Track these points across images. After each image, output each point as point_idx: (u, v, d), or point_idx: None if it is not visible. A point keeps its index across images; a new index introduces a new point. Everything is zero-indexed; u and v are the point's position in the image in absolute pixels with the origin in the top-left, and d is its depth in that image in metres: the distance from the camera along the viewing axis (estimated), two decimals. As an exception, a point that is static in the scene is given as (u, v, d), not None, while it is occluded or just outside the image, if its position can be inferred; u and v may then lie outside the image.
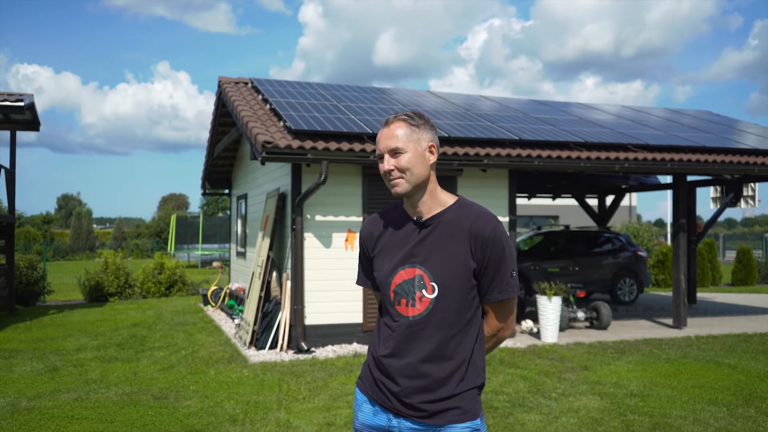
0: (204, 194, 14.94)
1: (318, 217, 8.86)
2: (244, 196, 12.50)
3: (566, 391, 6.45)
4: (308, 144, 8.20)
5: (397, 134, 2.16)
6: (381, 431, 2.21)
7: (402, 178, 2.15)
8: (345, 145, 8.37)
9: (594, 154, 9.41)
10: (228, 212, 45.21)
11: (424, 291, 2.14)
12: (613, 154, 9.53)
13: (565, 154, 9.28)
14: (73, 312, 12.77)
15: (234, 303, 12.01)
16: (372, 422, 2.23)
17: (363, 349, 8.68)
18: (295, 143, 8.13)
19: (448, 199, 2.23)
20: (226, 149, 12.68)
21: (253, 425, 5.37)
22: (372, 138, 8.78)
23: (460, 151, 8.80)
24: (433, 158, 2.20)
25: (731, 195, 14.29)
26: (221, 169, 13.96)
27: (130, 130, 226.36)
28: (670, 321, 11.16)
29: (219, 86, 11.10)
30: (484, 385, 2.22)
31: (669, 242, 32.81)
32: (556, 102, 13.50)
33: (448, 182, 9.37)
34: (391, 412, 2.18)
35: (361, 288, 9.02)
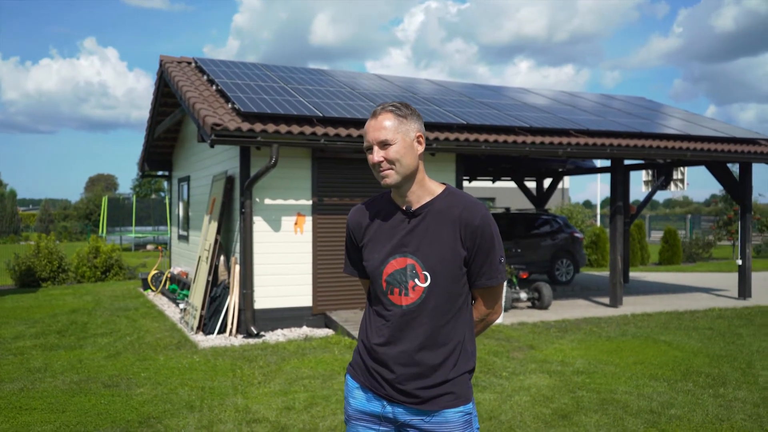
0: (143, 176, 14.54)
1: (267, 201, 8.78)
2: (187, 179, 12.24)
3: (516, 370, 6.65)
4: (258, 127, 8.09)
5: (385, 125, 2.18)
6: (375, 417, 2.25)
7: (391, 169, 2.18)
8: (295, 128, 8.30)
9: (538, 139, 9.64)
10: (162, 194, 44.15)
11: (416, 280, 2.18)
12: (556, 139, 9.78)
13: (511, 138, 9.48)
14: (4, 298, 12.26)
15: (176, 287, 11.79)
16: (366, 408, 2.27)
17: (313, 332, 8.70)
18: (245, 126, 8.02)
19: (436, 188, 2.26)
20: (167, 130, 12.37)
21: (211, 411, 5.33)
22: (322, 121, 8.73)
23: (410, 134, 8.85)
24: (420, 148, 2.23)
25: (662, 178, 14.94)
26: (161, 150, 13.61)
27: (54, 108, 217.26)
28: (606, 300, 11.61)
29: (161, 65, 10.79)
30: (474, 369, 2.28)
31: (598, 223, 33.94)
32: (495, 86, 13.72)
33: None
34: (385, 399, 2.22)
35: (310, 272, 9.02)
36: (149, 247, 29.55)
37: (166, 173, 14.43)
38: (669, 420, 5.15)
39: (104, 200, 31.66)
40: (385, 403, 2.23)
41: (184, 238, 12.50)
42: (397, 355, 2.19)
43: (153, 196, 40.72)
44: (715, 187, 59.90)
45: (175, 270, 12.55)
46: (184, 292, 10.83)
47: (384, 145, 2.17)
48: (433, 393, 2.17)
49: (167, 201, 30.48)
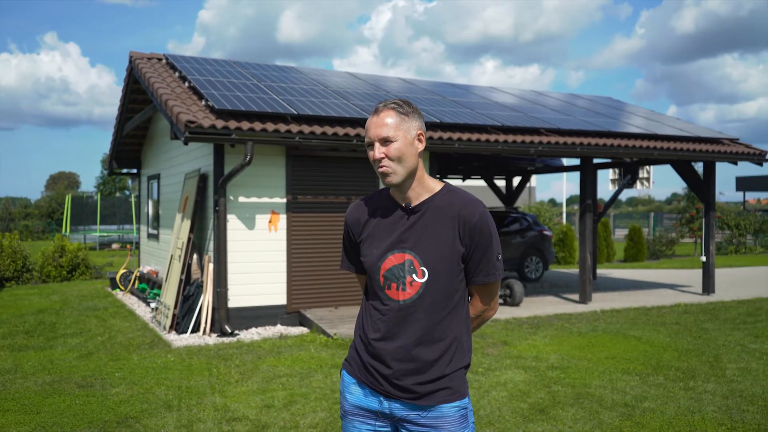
0: (111, 174, 14.31)
1: (241, 199, 8.73)
2: (157, 176, 12.08)
3: (492, 366, 6.73)
4: (233, 124, 8.04)
5: (387, 122, 2.19)
6: (372, 413, 2.27)
7: (391, 167, 2.19)
8: (270, 126, 8.27)
9: (511, 138, 9.75)
10: (127, 192, 43.44)
11: (414, 275, 2.20)
12: (528, 138, 9.90)
13: (484, 137, 9.57)
14: (-33, 299, 11.97)
15: (146, 286, 11.65)
16: (363, 404, 2.28)
17: (288, 330, 8.68)
18: (220, 123, 7.96)
19: (435, 186, 2.28)
20: (137, 127, 12.20)
21: (189, 410, 5.29)
22: (296, 119, 8.71)
23: (384, 133, 8.88)
24: (421, 146, 2.25)
25: (628, 177, 15.21)
26: (130, 147, 13.42)
27: (14, 104, 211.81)
28: (575, 296, 11.79)
29: (130, 62, 10.64)
30: (470, 365, 2.31)
31: (564, 221, 34.42)
32: (463, 84, 13.82)
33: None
34: (382, 395, 2.23)
35: (284, 270, 9.00)
36: (114, 246, 29.08)
37: (135, 171, 14.23)
38: (643, 413, 5.27)
39: (68, 198, 31.03)
40: (381, 398, 2.24)
41: (154, 237, 12.34)
42: (394, 350, 2.20)
43: (117, 194, 40.07)
44: (676, 186, 61.26)
45: (145, 269, 12.39)
46: (155, 291, 10.70)
47: (385, 142, 2.18)
48: (429, 388, 2.19)
49: (133, 199, 30.03)
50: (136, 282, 12.26)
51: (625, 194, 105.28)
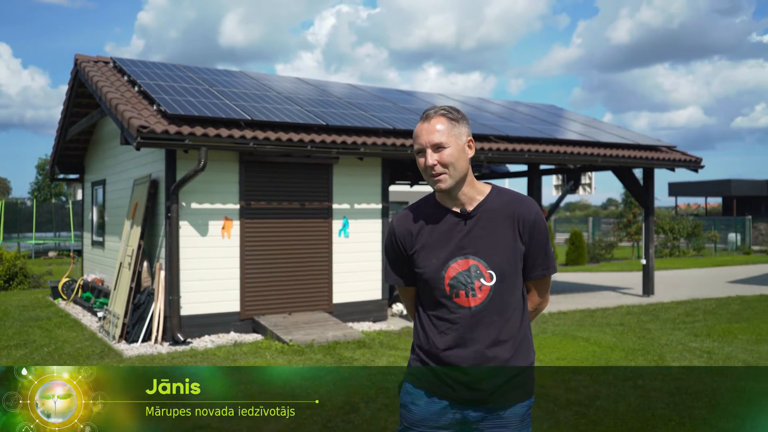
0: (53, 180, 13.89)
1: (194, 205, 8.63)
2: (102, 182, 11.80)
3: (448, 369, 6.85)
4: (186, 129, 7.95)
5: (439, 129, 2.17)
6: (439, 425, 2.24)
7: (445, 173, 2.17)
8: (224, 131, 8.21)
9: (461, 145, 9.92)
10: (63, 198, 42.07)
11: (482, 280, 2.20)
12: (478, 144, 10.11)
13: (435, 144, 9.71)
14: None
15: (91, 295, 11.36)
16: (430, 414, 2.25)
17: (242, 338, 8.61)
18: (173, 128, 7.86)
19: (484, 188, 2.28)
20: (80, 132, 11.88)
21: (149, 420, 5.21)
22: (250, 124, 8.67)
23: (338, 139, 8.93)
24: (471, 152, 2.24)
25: (571, 182, 15.66)
26: (73, 153, 13.05)
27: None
28: (523, 300, 12.06)
29: (76, 65, 10.37)
30: (534, 360, 2.38)
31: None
32: (408, 91, 13.96)
33: (324, 170, 9.49)
34: (455, 402, 2.22)
35: (238, 276, 8.93)
36: (51, 254, 28.11)
37: (77, 177, 13.84)
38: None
39: (0, 205, 29.88)
40: (450, 405, 2.23)
41: (98, 244, 12.04)
42: (470, 355, 2.20)
43: (54, 200, 38.77)
44: (611, 191, 63.29)
45: (89, 277, 12.07)
46: (102, 299, 10.44)
47: (438, 148, 2.17)
48: (506, 388, 2.22)
49: (70, 205, 29.13)
50: (80, 291, 11.92)
51: (563, 200, 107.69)
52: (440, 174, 2.18)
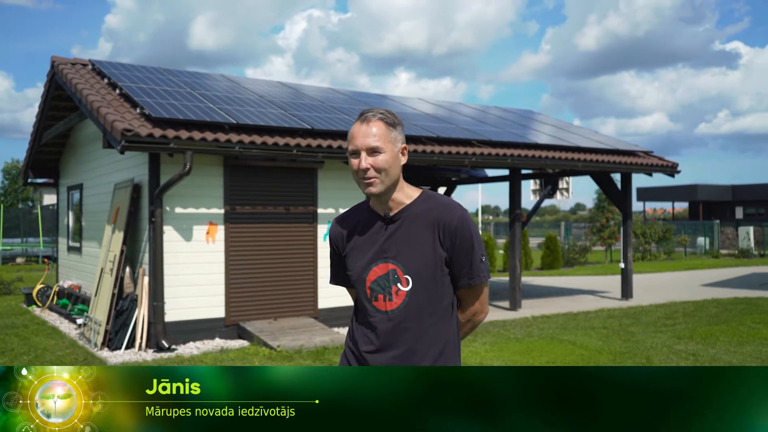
0: (26, 184, 13.58)
1: (178, 209, 8.49)
2: (79, 187, 11.56)
3: (440, 373, 6.83)
4: (171, 133, 7.83)
5: (376, 133, 2.16)
6: None
7: (377, 178, 2.16)
8: (209, 135, 8.11)
9: (446, 149, 9.95)
10: (30, 203, 41.18)
11: (399, 284, 2.19)
12: (462, 149, 10.14)
13: (420, 148, 9.72)
14: None
15: (68, 302, 11.11)
16: None
17: (227, 344, 8.49)
18: (157, 132, 7.73)
19: (413, 193, 2.27)
20: (56, 136, 11.64)
21: (142, 429, 5.09)
22: (235, 128, 8.58)
23: (324, 143, 8.89)
24: (404, 159, 2.25)
25: (549, 187, 15.80)
26: (48, 156, 12.78)
27: None
28: (505, 303, 12.12)
29: (53, 67, 10.16)
30: None
31: (480, 231, 35.27)
32: (385, 94, 13.93)
33: (309, 174, 9.42)
34: None
35: (223, 282, 8.82)
36: (19, 260, 27.49)
37: (52, 181, 13.55)
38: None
39: (-35, 210, 29.12)
40: None
41: (75, 250, 11.79)
42: (387, 361, 2.20)
43: (20, 205, 37.94)
44: (581, 196, 63.97)
45: (66, 284, 11.81)
46: (81, 306, 10.22)
47: (373, 152, 2.15)
48: None
49: (39, 210, 28.52)
50: (56, 298, 11.66)
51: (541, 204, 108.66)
52: (372, 178, 2.17)
